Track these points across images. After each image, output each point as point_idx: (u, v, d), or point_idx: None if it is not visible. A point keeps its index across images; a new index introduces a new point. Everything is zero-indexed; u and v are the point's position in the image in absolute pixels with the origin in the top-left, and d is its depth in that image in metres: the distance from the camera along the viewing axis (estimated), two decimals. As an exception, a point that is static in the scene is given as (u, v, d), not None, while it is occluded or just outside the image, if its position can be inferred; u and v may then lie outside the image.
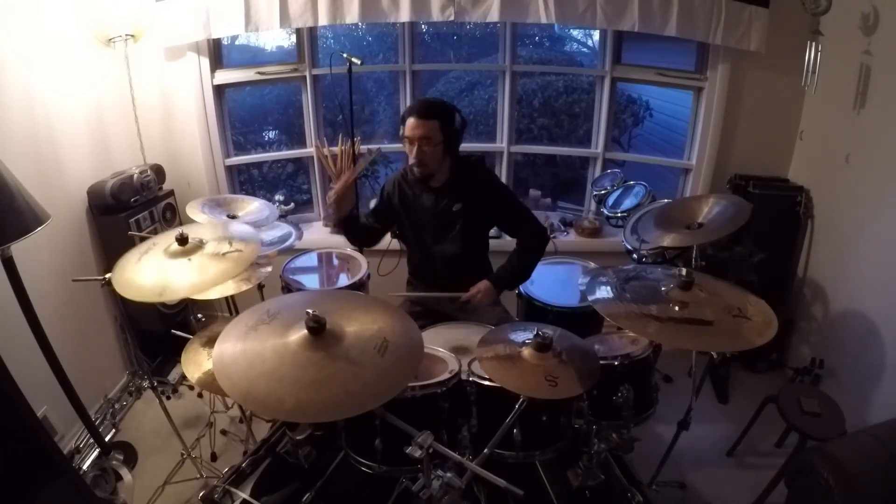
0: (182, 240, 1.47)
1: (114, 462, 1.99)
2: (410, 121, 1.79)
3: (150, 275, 1.41)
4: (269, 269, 1.98)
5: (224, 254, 1.46)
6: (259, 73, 2.87)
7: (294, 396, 1.00)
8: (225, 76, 2.83)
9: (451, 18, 2.54)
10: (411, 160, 1.84)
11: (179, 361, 1.61)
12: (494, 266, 2.05)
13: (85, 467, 1.99)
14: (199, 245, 1.49)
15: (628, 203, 2.38)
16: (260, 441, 1.70)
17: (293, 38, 2.90)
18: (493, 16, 2.52)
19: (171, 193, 2.74)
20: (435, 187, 1.93)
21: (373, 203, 2.12)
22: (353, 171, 1.81)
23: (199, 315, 2.12)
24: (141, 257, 1.48)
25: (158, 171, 2.63)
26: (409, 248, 2.14)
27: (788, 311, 2.72)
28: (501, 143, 3.09)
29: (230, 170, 3.02)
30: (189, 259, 1.45)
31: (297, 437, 1.53)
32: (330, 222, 2.10)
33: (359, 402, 1.02)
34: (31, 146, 2.04)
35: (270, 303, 1.25)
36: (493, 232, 2.11)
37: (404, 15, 2.53)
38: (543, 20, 2.51)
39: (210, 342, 1.62)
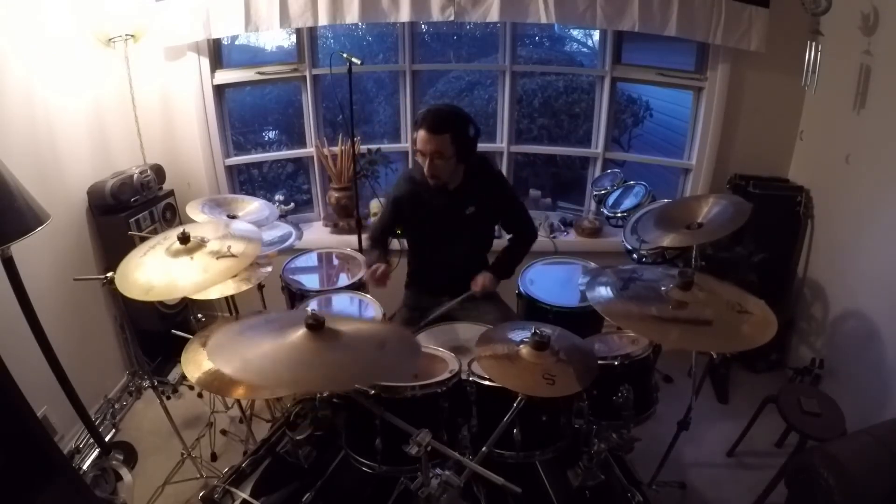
0: (184, 238, 1.48)
1: (114, 462, 1.99)
2: (421, 134, 1.76)
3: (151, 272, 1.43)
4: (269, 269, 1.98)
5: (219, 257, 1.46)
6: (259, 73, 2.87)
7: (291, 371, 1.01)
8: (225, 76, 2.83)
9: (451, 18, 2.54)
10: (425, 172, 1.82)
11: (179, 361, 1.61)
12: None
13: (85, 467, 1.99)
14: (201, 244, 1.50)
15: (628, 203, 2.37)
16: (260, 441, 1.69)
17: (293, 38, 2.90)
18: (493, 16, 2.52)
19: (171, 193, 2.73)
20: (449, 189, 1.92)
21: (376, 218, 2.14)
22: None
23: (199, 315, 2.12)
24: (146, 252, 1.50)
25: (158, 171, 2.63)
26: (413, 248, 2.14)
27: (788, 311, 2.72)
28: (501, 143, 3.09)
29: (230, 170, 3.02)
30: (191, 258, 1.45)
31: (297, 437, 1.53)
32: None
33: (355, 377, 1.03)
34: (31, 146, 2.04)
35: (266, 315, 1.25)
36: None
37: (404, 15, 2.53)
38: (543, 20, 2.51)
39: (210, 342, 1.62)
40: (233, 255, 1.47)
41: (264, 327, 1.14)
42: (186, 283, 1.40)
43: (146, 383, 2.44)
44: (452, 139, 1.75)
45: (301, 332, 1.09)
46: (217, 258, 1.45)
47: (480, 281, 1.94)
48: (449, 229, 1.96)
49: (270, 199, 2.78)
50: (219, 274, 1.42)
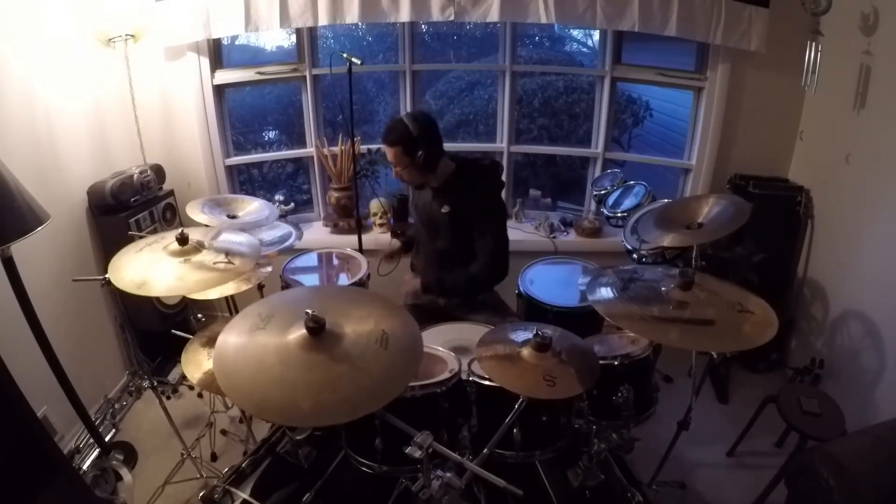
0: (182, 239, 1.48)
1: (114, 462, 1.99)
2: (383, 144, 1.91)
3: (141, 267, 1.45)
4: (269, 269, 1.98)
5: (214, 263, 1.47)
6: (259, 73, 2.87)
7: (310, 399, 1.00)
8: (225, 76, 2.82)
9: (451, 18, 2.54)
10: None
11: (179, 361, 1.61)
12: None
13: (85, 467, 1.99)
14: (198, 248, 1.51)
15: (628, 203, 2.37)
16: (260, 441, 1.70)
17: (293, 38, 2.90)
18: (493, 16, 2.52)
19: (171, 193, 2.74)
20: (433, 187, 1.99)
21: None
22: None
23: (199, 315, 2.12)
24: (143, 248, 1.52)
25: (158, 171, 2.63)
26: (417, 239, 2.24)
27: (788, 311, 2.72)
28: (501, 143, 3.09)
29: (230, 170, 3.02)
30: (185, 261, 1.46)
31: (297, 437, 1.53)
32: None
33: (373, 398, 1.02)
34: (31, 146, 2.04)
35: (260, 305, 1.23)
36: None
37: (404, 15, 2.53)
38: (543, 20, 2.51)
39: (210, 342, 1.62)
40: (230, 263, 1.48)
41: (263, 334, 1.13)
42: (180, 283, 1.41)
43: (146, 383, 2.44)
44: (404, 151, 1.85)
45: (304, 340, 1.08)
46: (213, 264, 1.46)
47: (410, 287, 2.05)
48: (430, 225, 2.04)
49: (270, 199, 2.78)
50: (213, 279, 1.44)
